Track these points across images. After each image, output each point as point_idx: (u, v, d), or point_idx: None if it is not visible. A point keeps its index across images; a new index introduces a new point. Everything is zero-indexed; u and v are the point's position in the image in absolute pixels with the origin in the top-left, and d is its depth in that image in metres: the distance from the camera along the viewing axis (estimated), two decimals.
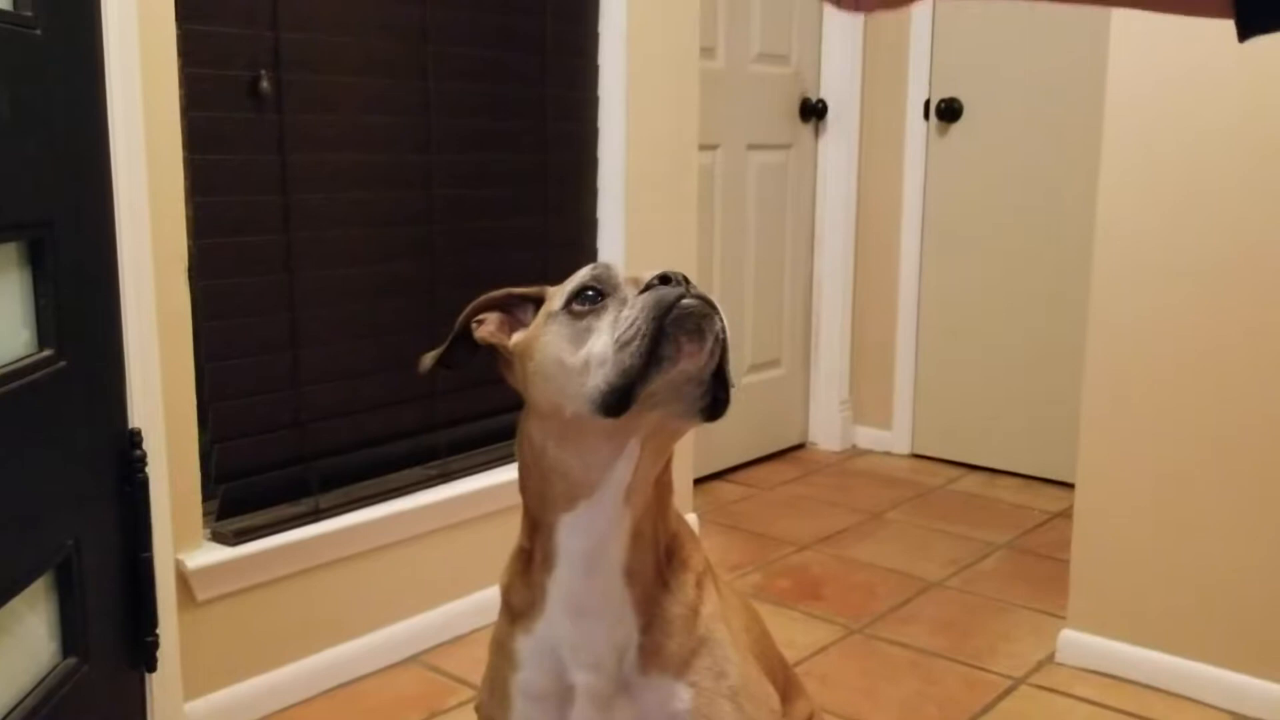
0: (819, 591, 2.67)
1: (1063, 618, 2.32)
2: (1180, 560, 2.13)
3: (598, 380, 0.92)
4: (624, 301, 0.96)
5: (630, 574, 1.04)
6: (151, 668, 1.79)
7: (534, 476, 1.05)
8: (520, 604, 1.08)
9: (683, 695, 1.05)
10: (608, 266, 1.00)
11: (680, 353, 0.90)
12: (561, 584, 1.04)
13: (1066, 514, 2.75)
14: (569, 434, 0.98)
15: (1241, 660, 2.08)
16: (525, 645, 1.07)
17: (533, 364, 1.01)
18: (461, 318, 1.12)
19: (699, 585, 1.09)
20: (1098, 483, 2.22)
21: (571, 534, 1.02)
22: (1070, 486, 2.47)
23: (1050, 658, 2.30)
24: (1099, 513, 2.22)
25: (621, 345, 0.92)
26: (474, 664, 2.25)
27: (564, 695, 1.06)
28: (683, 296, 0.92)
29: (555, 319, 1.00)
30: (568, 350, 0.97)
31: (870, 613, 2.54)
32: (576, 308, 0.98)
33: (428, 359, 1.13)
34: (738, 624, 1.16)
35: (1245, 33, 0.71)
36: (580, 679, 1.04)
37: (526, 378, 1.03)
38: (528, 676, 1.07)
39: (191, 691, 1.94)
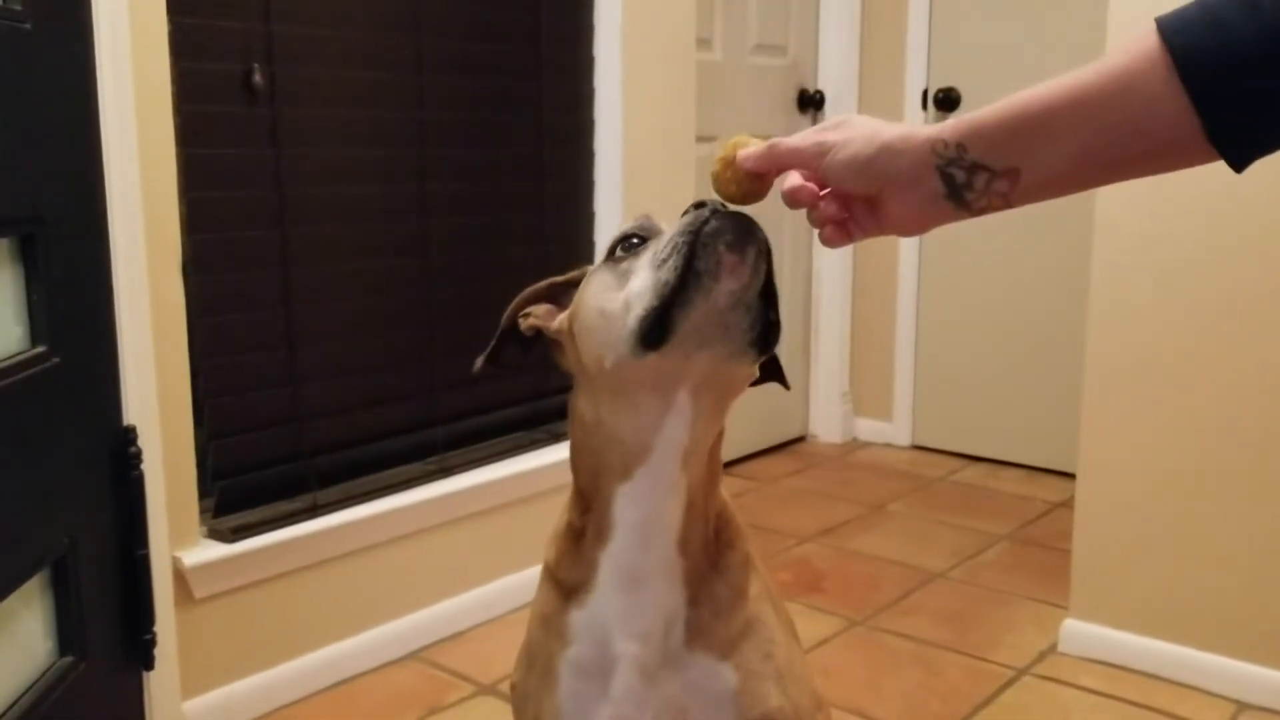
0: (820, 584, 2.66)
1: (1065, 608, 2.31)
2: (1182, 549, 2.12)
3: (637, 311, 0.88)
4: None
5: (683, 544, 1.03)
6: (149, 666, 1.78)
7: (586, 452, 1.03)
8: (571, 579, 1.07)
9: (728, 676, 1.04)
10: (649, 216, 0.98)
11: (721, 267, 0.84)
12: (616, 556, 1.02)
13: (1068, 504, 2.74)
14: (616, 390, 0.95)
15: (1244, 648, 2.07)
16: (578, 619, 1.06)
17: (579, 324, 0.99)
18: (506, 315, 1.10)
19: (745, 566, 1.08)
20: (1099, 473, 2.21)
21: (629, 504, 1.00)
22: (1071, 477, 2.46)
23: (1053, 648, 2.29)
24: (1100, 503, 2.21)
25: (658, 265, 0.87)
26: (474, 660, 2.25)
27: (608, 667, 1.04)
28: (718, 212, 0.87)
29: (597, 271, 0.98)
30: (609, 297, 0.93)
31: (872, 605, 2.53)
32: (619, 255, 0.96)
33: (478, 361, 1.11)
34: (780, 606, 1.15)
35: (1240, 165, 0.73)
36: (626, 649, 1.03)
37: (576, 345, 1.00)
38: (579, 651, 1.06)
39: (190, 690, 1.93)
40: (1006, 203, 0.80)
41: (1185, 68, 0.69)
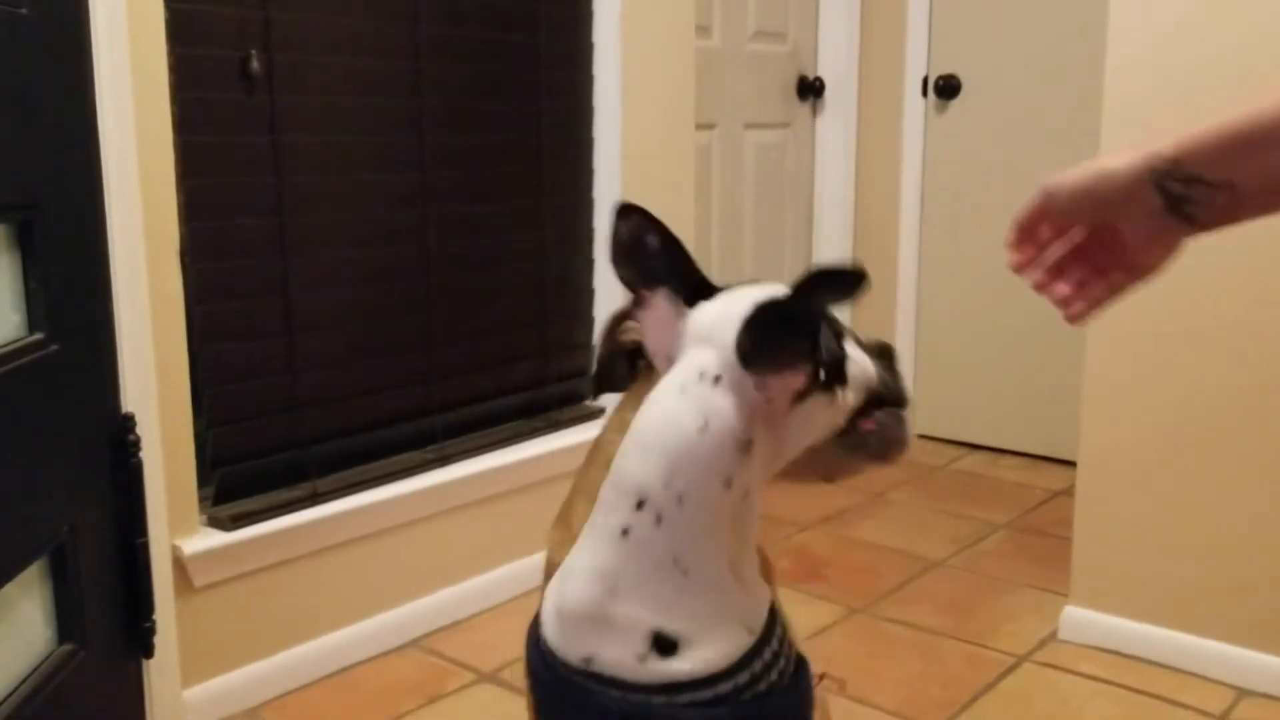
0: (821, 572, 2.66)
1: (1065, 595, 2.31)
2: (1182, 536, 2.12)
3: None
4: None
5: None
6: (148, 654, 1.78)
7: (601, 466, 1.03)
8: None
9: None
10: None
11: (888, 452, 1.00)
12: None
13: (1068, 492, 2.74)
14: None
15: (1244, 635, 2.07)
16: None
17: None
18: (604, 339, 1.13)
19: (764, 568, 1.07)
20: (1099, 460, 2.21)
21: None
22: (1072, 465, 2.46)
23: (1053, 635, 2.30)
24: (1101, 490, 2.21)
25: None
26: (474, 648, 2.25)
27: None
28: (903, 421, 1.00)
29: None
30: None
31: (872, 592, 2.53)
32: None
33: (590, 387, 1.16)
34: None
35: None
36: None
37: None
38: None
39: (189, 678, 1.93)
40: (1229, 216, 0.81)
41: None
